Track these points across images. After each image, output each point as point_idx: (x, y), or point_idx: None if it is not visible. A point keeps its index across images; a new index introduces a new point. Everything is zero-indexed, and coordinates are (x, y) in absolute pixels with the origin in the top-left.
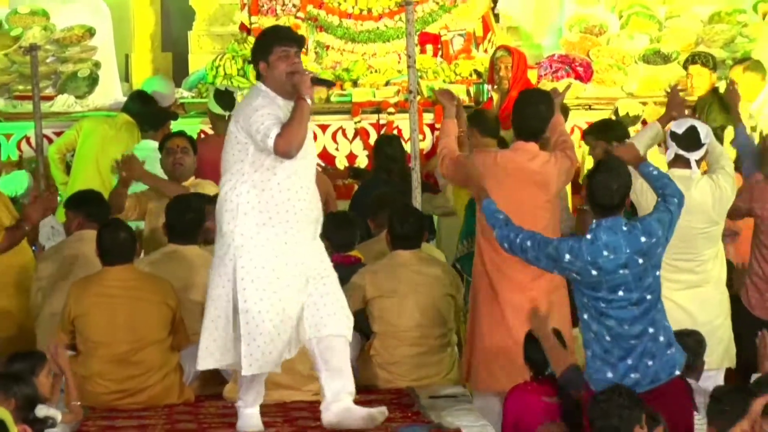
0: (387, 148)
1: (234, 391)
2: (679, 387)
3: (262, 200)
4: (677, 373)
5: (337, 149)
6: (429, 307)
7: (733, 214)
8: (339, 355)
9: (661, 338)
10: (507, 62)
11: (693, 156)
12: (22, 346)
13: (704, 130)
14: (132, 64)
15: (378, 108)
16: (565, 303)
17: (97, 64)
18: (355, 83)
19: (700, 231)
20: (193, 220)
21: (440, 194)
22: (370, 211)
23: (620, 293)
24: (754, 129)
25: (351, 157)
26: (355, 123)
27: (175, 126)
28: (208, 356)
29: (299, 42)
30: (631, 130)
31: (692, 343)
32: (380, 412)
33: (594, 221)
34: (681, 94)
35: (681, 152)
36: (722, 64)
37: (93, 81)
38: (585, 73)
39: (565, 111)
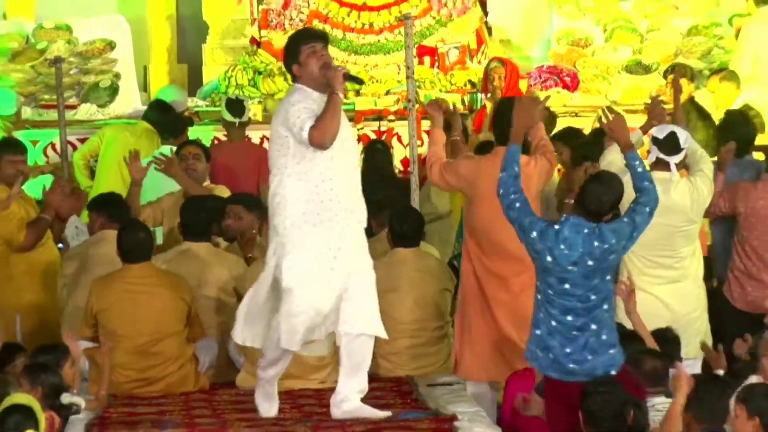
0: (377, 154)
1: (245, 381)
2: (626, 381)
3: (306, 190)
4: (613, 372)
5: None
6: (427, 302)
7: (713, 214)
8: (363, 354)
9: (604, 337)
10: (501, 72)
11: (673, 159)
12: (49, 338)
13: (683, 136)
14: (150, 75)
15: (379, 116)
16: None
17: (117, 75)
18: (357, 92)
19: (679, 230)
20: (205, 219)
21: (426, 202)
22: (372, 211)
23: (566, 286)
24: None
25: None
26: (358, 129)
27: (190, 133)
28: (246, 332)
29: (323, 37)
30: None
31: (671, 337)
32: (385, 415)
33: (564, 215)
34: (661, 102)
35: (662, 156)
36: (700, 75)
37: (114, 91)
38: (572, 83)
39: (553, 118)
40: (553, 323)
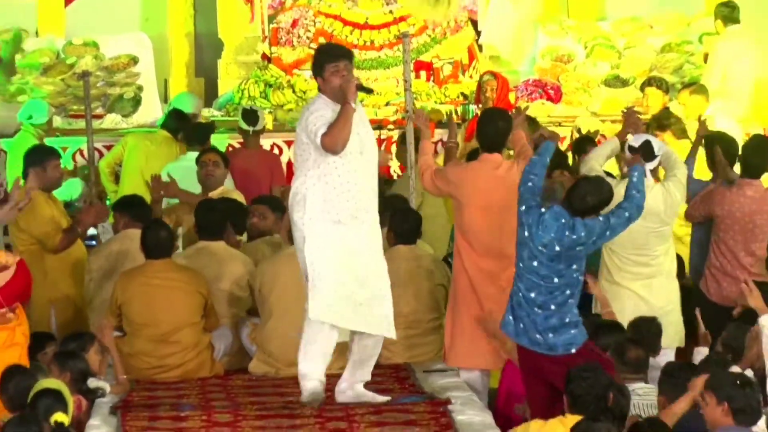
0: None
1: (257, 367)
2: (588, 354)
3: (324, 191)
4: (573, 351)
5: None
6: (423, 296)
7: (692, 217)
8: (373, 351)
9: (567, 319)
10: (493, 85)
11: (648, 166)
12: (78, 327)
13: (657, 144)
14: (170, 87)
15: (379, 125)
16: None
17: (140, 88)
18: (362, 102)
19: (653, 230)
20: (218, 220)
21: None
22: None
23: (534, 263)
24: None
25: None
26: None
27: None
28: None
29: (347, 56)
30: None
31: (653, 328)
32: (384, 399)
33: (552, 203)
34: (636, 113)
35: None
36: (673, 88)
37: (137, 102)
38: (555, 95)
39: (537, 127)
40: (521, 295)
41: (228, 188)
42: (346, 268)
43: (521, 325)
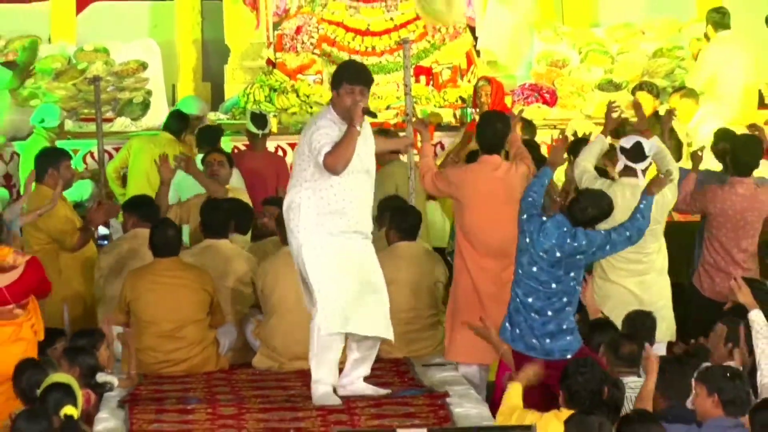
0: None
1: (261, 362)
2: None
3: (318, 204)
4: (568, 356)
5: None
6: (422, 292)
7: (681, 209)
8: (371, 351)
9: (564, 326)
10: (487, 90)
11: (639, 166)
12: (89, 324)
13: (648, 145)
14: (178, 92)
15: (380, 128)
16: None
17: (148, 92)
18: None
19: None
20: (223, 219)
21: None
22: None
23: (534, 269)
24: (689, 145)
25: None
26: None
27: None
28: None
29: (367, 82)
30: None
31: (648, 322)
32: (385, 393)
33: (554, 212)
34: (625, 116)
35: (629, 164)
36: (664, 92)
37: (145, 106)
38: (551, 99)
39: (533, 129)
40: (518, 301)
41: (234, 187)
42: (346, 273)
43: (517, 331)
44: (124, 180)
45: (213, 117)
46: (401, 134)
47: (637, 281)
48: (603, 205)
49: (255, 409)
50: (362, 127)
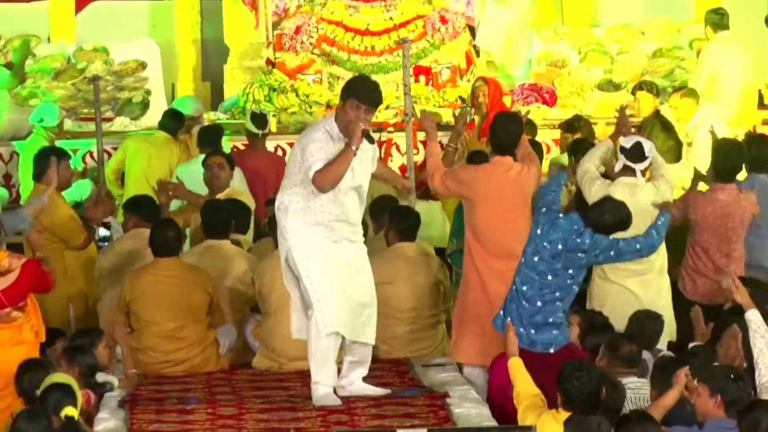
0: None
1: (260, 362)
2: (568, 355)
3: (306, 211)
4: (552, 351)
5: None
6: (422, 292)
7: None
8: (365, 353)
9: (551, 319)
10: (484, 90)
11: (638, 167)
12: (90, 322)
13: (648, 146)
14: (177, 91)
15: (380, 128)
16: None
17: (148, 92)
18: None
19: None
20: (223, 219)
21: None
22: (371, 214)
23: (535, 258)
24: (690, 145)
25: None
26: None
27: None
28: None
29: (374, 103)
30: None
31: (653, 324)
32: (385, 393)
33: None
34: (628, 115)
35: (629, 163)
36: (663, 92)
37: (145, 105)
38: (550, 99)
39: (534, 129)
40: (514, 289)
41: (235, 189)
42: (336, 275)
43: (508, 319)
44: (122, 181)
45: (212, 117)
46: (400, 134)
47: (637, 281)
48: (622, 215)
49: (255, 410)
50: (360, 149)
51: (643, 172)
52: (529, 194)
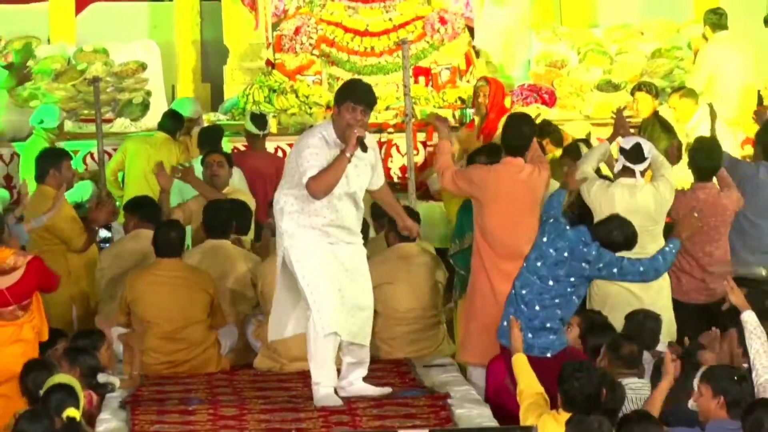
0: None
1: (262, 363)
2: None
3: (302, 210)
4: (549, 355)
5: None
6: (423, 293)
7: None
8: (362, 354)
9: (548, 324)
10: (485, 90)
11: (638, 167)
12: (92, 323)
13: (647, 147)
14: (177, 93)
15: (380, 128)
16: None
17: (148, 93)
18: None
19: (645, 229)
20: (225, 220)
21: None
22: (372, 215)
23: (538, 263)
24: (690, 145)
25: None
26: None
27: None
28: (280, 329)
29: (369, 103)
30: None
31: (651, 324)
32: (383, 391)
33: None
34: (627, 116)
35: (628, 164)
36: (663, 92)
37: (145, 107)
38: (550, 100)
39: (559, 135)
40: (513, 293)
41: (236, 188)
42: (332, 275)
43: (505, 323)
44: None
45: (212, 118)
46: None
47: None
48: (628, 233)
49: (256, 410)
50: (356, 156)
51: (643, 173)
52: (539, 197)
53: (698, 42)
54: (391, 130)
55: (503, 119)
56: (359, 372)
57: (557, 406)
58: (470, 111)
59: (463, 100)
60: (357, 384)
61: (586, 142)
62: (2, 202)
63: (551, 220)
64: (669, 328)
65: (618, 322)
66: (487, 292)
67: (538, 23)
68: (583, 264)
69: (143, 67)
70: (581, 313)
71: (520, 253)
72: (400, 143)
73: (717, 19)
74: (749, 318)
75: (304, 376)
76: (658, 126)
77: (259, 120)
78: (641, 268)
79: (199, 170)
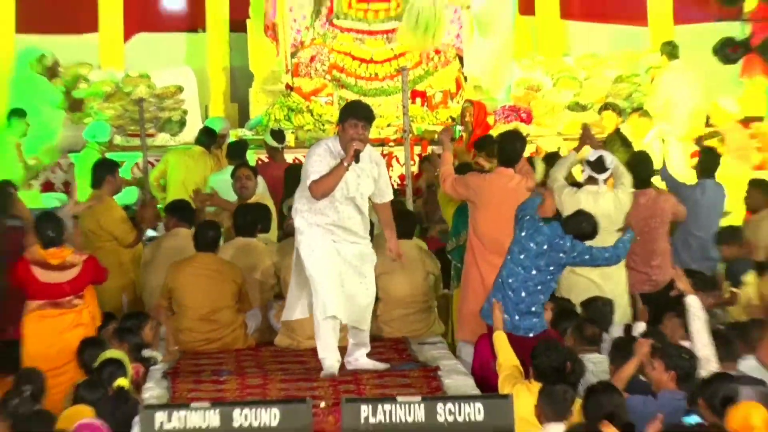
0: None
1: (281, 341)
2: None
3: (310, 209)
4: (531, 335)
5: None
6: (417, 282)
7: None
8: (362, 337)
9: (533, 308)
10: (470, 111)
11: (601, 177)
12: (138, 306)
13: (609, 159)
14: (209, 112)
15: (382, 142)
16: None
17: (185, 112)
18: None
19: (605, 228)
20: (251, 221)
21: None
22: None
23: (522, 256)
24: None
25: None
26: None
27: None
28: (290, 312)
29: (368, 118)
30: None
31: (607, 308)
32: (385, 367)
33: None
34: (595, 132)
35: (592, 174)
36: (624, 112)
37: (182, 124)
38: (527, 118)
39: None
40: (500, 281)
41: (261, 194)
42: (335, 268)
43: (487, 305)
44: (163, 187)
45: (240, 133)
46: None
47: (599, 273)
48: (593, 224)
49: (277, 380)
50: (359, 167)
51: (605, 181)
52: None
53: (656, 71)
54: (392, 144)
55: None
56: (362, 351)
57: (530, 377)
58: (459, 128)
59: (453, 119)
60: (361, 360)
61: (557, 154)
62: (63, 203)
63: (527, 217)
64: (626, 312)
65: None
66: (478, 283)
67: (518, 53)
68: (561, 254)
69: (180, 89)
70: (553, 299)
71: (506, 249)
72: (400, 155)
73: (671, 50)
74: (693, 302)
75: (317, 352)
76: (618, 141)
77: (278, 135)
78: (607, 255)
79: (229, 180)
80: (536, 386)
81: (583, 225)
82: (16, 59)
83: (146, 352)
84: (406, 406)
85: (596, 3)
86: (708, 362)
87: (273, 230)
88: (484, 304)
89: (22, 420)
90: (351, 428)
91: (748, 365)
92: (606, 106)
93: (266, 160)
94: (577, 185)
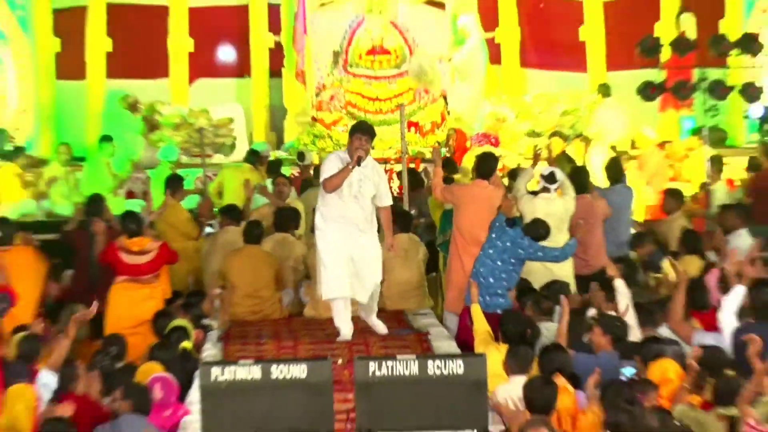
0: None
1: (309, 312)
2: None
3: (325, 204)
4: (499, 311)
5: None
6: (413, 267)
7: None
8: (369, 308)
9: (499, 291)
10: (453, 137)
11: (552, 187)
12: (199, 286)
13: (558, 173)
14: (254, 138)
15: (385, 161)
16: None
17: (235, 138)
18: (372, 147)
19: (556, 227)
20: (286, 219)
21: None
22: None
23: (490, 251)
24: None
25: None
26: None
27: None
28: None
29: (370, 133)
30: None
31: (564, 290)
32: (385, 330)
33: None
34: (544, 155)
35: (546, 185)
36: (569, 138)
37: (232, 147)
38: (496, 143)
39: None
40: (475, 270)
41: (293, 199)
42: (341, 253)
43: (470, 280)
44: (219, 194)
45: (277, 154)
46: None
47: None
48: (547, 228)
49: (305, 342)
50: (362, 172)
51: (555, 190)
52: (495, 206)
53: (593, 106)
54: (392, 161)
55: (467, 154)
56: (372, 314)
57: (499, 341)
58: (445, 149)
59: (439, 142)
60: (371, 319)
61: (518, 170)
62: (143, 208)
63: (497, 224)
64: (572, 290)
65: (538, 287)
66: (459, 267)
67: (488, 93)
68: (520, 251)
69: (232, 121)
70: (517, 287)
71: (482, 241)
72: (398, 170)
73: (605, 90)
74: (619, 285)
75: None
76: (564, 159)
77: (300, 155)
78: (556, 253)
79: (270, 189)
80: (504, 347)
81: (539, 230)
82: (107, 98)
83: (205, 321)
84: (404, 362)
85: (548, 55)
86: (632, 329)
87: (302, 227)
88: (467, 293)
89: (109, 373)
90: (362, 380)
91: (664, 332)
92: (555, 134)
93: (297, 174)
94: (534, 193)
